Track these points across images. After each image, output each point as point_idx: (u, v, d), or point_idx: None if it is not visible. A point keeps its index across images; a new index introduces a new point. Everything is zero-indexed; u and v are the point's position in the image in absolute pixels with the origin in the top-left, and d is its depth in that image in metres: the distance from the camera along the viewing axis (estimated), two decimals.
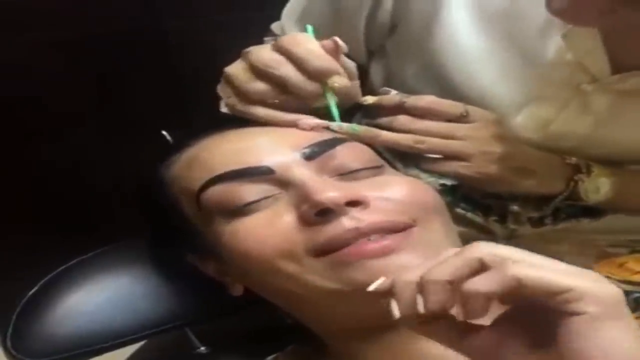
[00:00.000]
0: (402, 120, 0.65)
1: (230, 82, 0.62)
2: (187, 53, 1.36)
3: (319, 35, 0.62)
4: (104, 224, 1.13)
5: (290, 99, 0.60)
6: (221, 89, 0.64)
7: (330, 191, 0.52)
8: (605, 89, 0.69)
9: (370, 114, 0.68)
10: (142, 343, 0.72)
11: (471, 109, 0.66)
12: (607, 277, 0.60)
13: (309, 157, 0.57)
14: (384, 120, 0.66)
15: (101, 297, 0.66)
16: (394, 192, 0.56)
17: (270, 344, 0.65)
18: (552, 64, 0.69)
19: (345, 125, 0.62)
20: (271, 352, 0.64)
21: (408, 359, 0.54)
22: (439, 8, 0.72)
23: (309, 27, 0.63)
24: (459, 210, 0.79)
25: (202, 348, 0.68)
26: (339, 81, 0.59)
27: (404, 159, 0.82)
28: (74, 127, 1.33)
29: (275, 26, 0.91)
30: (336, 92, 0.60)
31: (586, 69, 0.68)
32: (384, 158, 0.65)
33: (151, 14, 1.32)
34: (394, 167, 0.65)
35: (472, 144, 0.65)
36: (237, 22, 1.27)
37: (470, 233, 0.80)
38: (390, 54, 0.80)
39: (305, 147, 0.57)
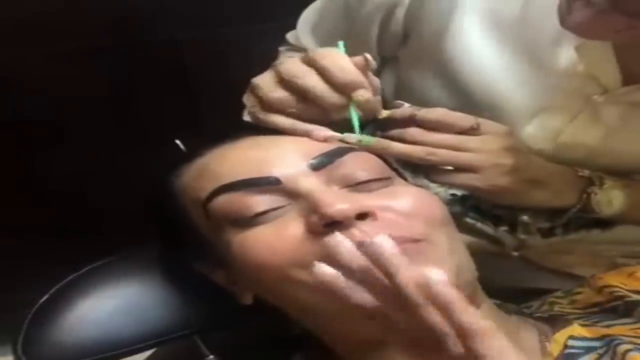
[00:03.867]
0: (413, 132, 0.65)
1: (255, 91, 0.62)
2: (202, 65, 1.36)
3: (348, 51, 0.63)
4: (114, 232, 1.13)
5: (308, 109, 0.60)
6: (246, 98, 0.64)
7: (339, 203, 0.52)
8: (616, 100, 0.69)
9: (382, 126, 0.68)
10: (151, 351, 0.72)
11: (482, 121, 0.66)
12: (617, 287, 0.60)
13: (316, 168, 0.57)
14: (395, 132, 0.66)
15: (111, 305, 0.66)
16: (401, 204, 0.55)
17: (278, 353, 0.65)
18: (563, 74, 0.69)
19: (358, 136, 0.62)
20: None
21: None
22: (452, 18, 0.72)
23: (341, 43, 0.63)
24: (468, 220, 0.79)
25: (211, 357, 0.68)
26: (364, 95, 0.59)
27: (413, 169, 0.82)
28: (87, 138, 1.33)
29: (290, 35, 0.92)
30: (360, 105, 0.60)
31: (597, 80, 0.68)
32: (393, 168, 0.65)
33: (166, 25, 1.32)
34: (403, 177, 0.65)
35: (483, 156, 0.64)
36: (251, 34, 1.27)
37: (480, 243, 0.80)
38: (402, 63, 0.80)
39: (313, 158, 0.57)
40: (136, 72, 1.33)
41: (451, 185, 0.68)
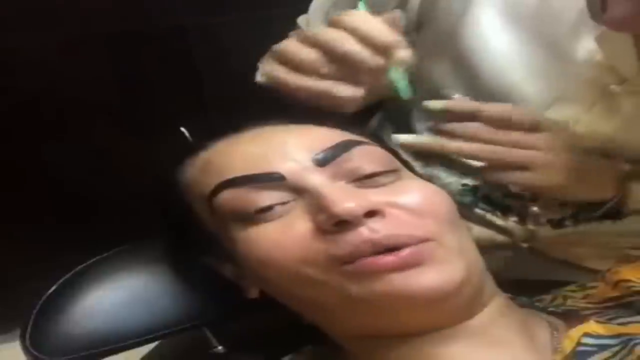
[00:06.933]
0: (475, 129, 0.63)
1: (282, 55, 0.60)
2: (209, 52, 1.35)
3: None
4: (123, 222, 1.13)
5: (340, 70, 0.58)
6: (265, 62, 0.62)
7: (347, 202, 0.51)
8: (634, 90, 0.68)
9: (426, 117, 0.66)
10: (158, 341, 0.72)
11: (542, 118, 0.65)
12: (634, 282, 0.60)
13: (322, 163, 0.55)
14: (451, 126, 0.64)
15: (120, 296, 0.65)
16: (409, 200, 0.54)
17: (287, 344, 0.64)
18: (581, 64, 0.68)
19: (410, 137, 0.61)
20: (288, 352, 0.63)
21: None
22: (468, 7, 0.71)
23: (361, 3, 0.61)
24: (478, 210, 0.79)
25: (219, 348, 0.68)
26: (405, 54, 0.57)
27: (426, 159, 0.81)
28: (93, 126, 1.33)
29: (301, 20, 0.91)
30: (400, 65, 0.58)
31: (615, 69, 0.67)
32: (401, 159, 0.64)
33: (172, 12, 1.31)
34: (411, 168, 0.64)
35: (548, 154, 0.63)
36: (259, 21, 1.26)
37: (489, 234, 0.79)
38: (416, 51, 0.79)
39: (319, 152, 0.56)
40: (142, 59, 1.32)
41: (511, 184, 0.67)
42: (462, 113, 0.64)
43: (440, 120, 0.65)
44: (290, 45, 0.59)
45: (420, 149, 0.60)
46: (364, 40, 0.57)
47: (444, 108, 0.64)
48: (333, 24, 0.58)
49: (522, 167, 0.63)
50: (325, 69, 0.58)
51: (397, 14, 0.59)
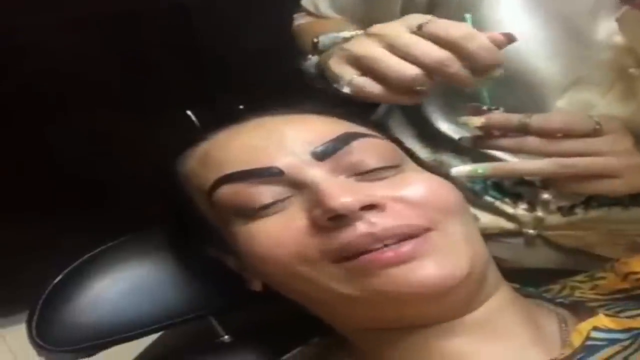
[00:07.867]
0: (535, 143, 0.60)
1: (365, 62, 0.58)
2: (211, 30, 1.32)
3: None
4: (126, 206, 1.13)
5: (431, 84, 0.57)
6: (339, 65, 0.59)
7: (343, 196, 0.50)
8: None
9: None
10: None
11: (602, 119, 0.61)
12: None
13: (320, 157, 0.54)
14: (505, 143, 0.61)
15: (126, 285, 0.65)
16: (412, 192, 0.53)
17: (293, 334, 0.64)
18: (599, 46, 0.67)
19: (468, 168, 0.60)
20: (295, 342, 0.63)
21: (429, 358, 0.53)
22: None
23: (468, 17, 0.60)
24: (487, 198, 0.78)
25: (226, 337, 0.68)
26: (498, 73, 0.56)
27: (434, 146, 0.80)
28: (95, 108, 1.31)
29: (307, 2, 0.88)
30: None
31: (634, 52, 0.66)
32: (405, 148, 0.62)
33: None
34: (416, 158, 0.62)
35: (622, 158, 0.60)
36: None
37: (498, 221, 0.79)
38: None
39: (318, 146, 0.54)
40: (143, 39, 1.31)
41: (590, 194, 0.65)
42: (507, 128, 0.61)
43: (473, 132, 0.63)
44: (385, 56, 0.56)
45: (483, 177, 0.58)
46: (468, 58, 0.55)
47: (485, 124, 0.60)
48: (435, 38, 0.55)
49: (606, 174, 0.60)
50: (424, 88, 0.56)
51: (512, 34, 0.58)
